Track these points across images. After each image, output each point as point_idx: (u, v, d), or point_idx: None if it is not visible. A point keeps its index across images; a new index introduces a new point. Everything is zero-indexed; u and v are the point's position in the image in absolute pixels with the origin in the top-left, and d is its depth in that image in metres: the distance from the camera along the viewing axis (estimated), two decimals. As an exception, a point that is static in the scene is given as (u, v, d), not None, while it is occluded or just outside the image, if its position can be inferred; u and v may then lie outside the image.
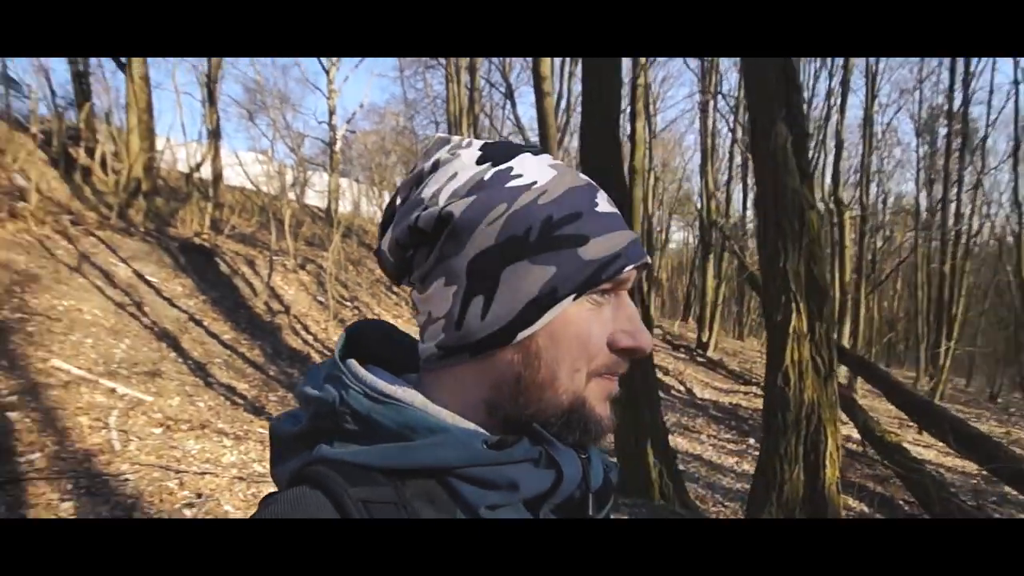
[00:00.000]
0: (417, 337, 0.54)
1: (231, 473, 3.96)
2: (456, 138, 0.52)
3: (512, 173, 0.48)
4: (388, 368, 0.52)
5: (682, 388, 11.22)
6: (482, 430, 0.47)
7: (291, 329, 8.23)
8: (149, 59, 11.07)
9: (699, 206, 18.01)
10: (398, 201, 0.52)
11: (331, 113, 17.43)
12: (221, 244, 9.49)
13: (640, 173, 10.24)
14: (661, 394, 10.22)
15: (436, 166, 0.51)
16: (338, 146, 17.43)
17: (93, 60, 11.75)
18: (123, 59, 10.62)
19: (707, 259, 15.84)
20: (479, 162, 0.49)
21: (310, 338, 8.25)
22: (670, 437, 7.68)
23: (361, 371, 0.48)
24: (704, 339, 15.36)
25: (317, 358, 7.73)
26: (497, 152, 0.50)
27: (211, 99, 12.79)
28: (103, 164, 9.63)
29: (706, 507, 5.68)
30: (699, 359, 14.24)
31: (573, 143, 14.73)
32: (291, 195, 14.00)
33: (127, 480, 3.49)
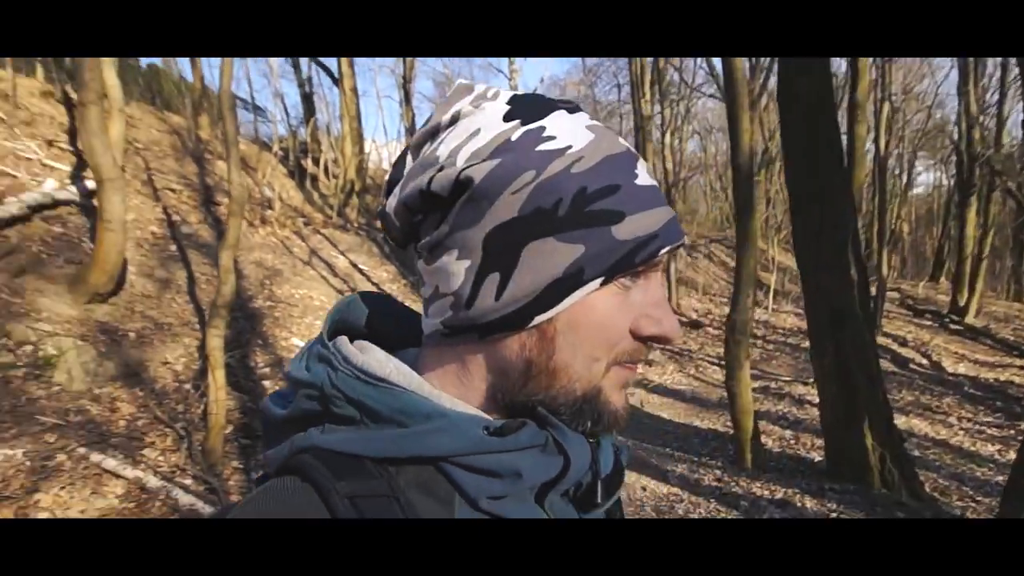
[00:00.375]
0: (420, 310, 0.51)
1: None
2: (481, 86, 0.47)
3: (544, 135, 0.43)
4: (386, 343, 0.49)
5: (924, 362, 9.42)
6: (483, 415, 0.44)
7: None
8: (356, 70, 12.63)
9: (956, 137, 14.62)
10: (409, 157, 0.47)
11: (514, 94, 17.95)
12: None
13: (863, 107, 8.61)
14: (896, 368, 8.75)
15: (455, 119, 0.45)
16: None
17: (315, 79, 13.68)
18: (336, 75, 12.32)
19: (967, 203, 12.96)
20: (506, 118, 0.44)
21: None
22: (906, 418, 6.54)
23: (351, 350, 0.45)
24: (961, 303, 12.62)
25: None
26: (528, 107, 0.45)
27: (407, 99, 14.21)
28: (326, 171, 11.36)
29: (948, 500, 4.73)
30: (953, 327, 11.77)
31: (770, 84, 13.01)
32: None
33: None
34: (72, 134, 6.97)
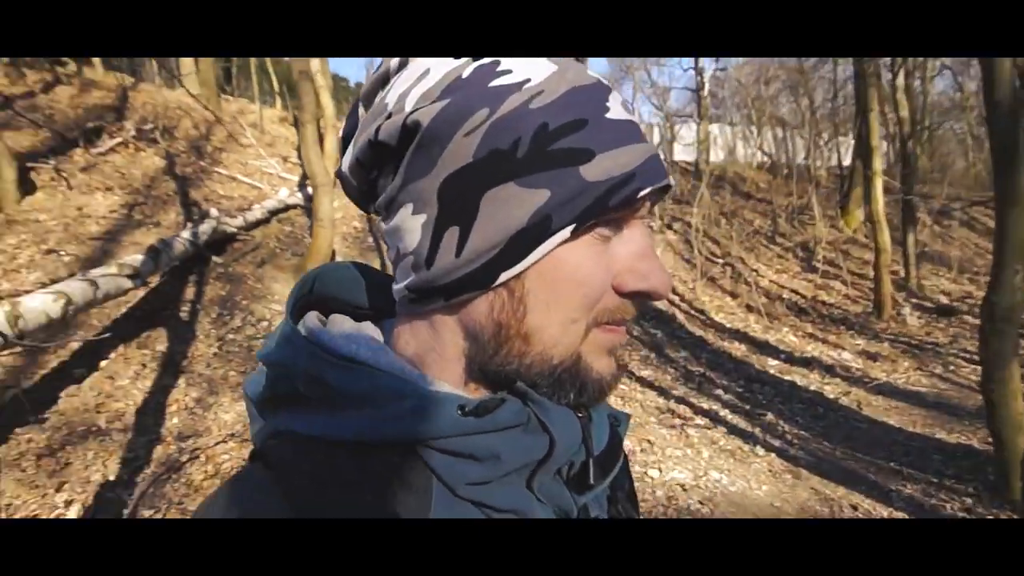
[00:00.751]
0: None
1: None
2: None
3: (499, 69, 0.39)
4: (362, 316, 0.47)
5: None
6: (458, 392, 0.41)
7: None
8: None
9: None
10: (361, 109, 0.44)
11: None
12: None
13: None
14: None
15: (405, 63, 0.42)
16: (706, 90, 16.23)
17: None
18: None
19: None
20: (456, 64, 0.40)
21: (676, 298, 8.32)
22: None
23: (315, 327, 0.43)
24: None
25: (683, 319, 7.79)
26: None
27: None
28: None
29: None
30: None
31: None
32: (660, 154, 14.22)
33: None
34: (300, 149, 8.42)
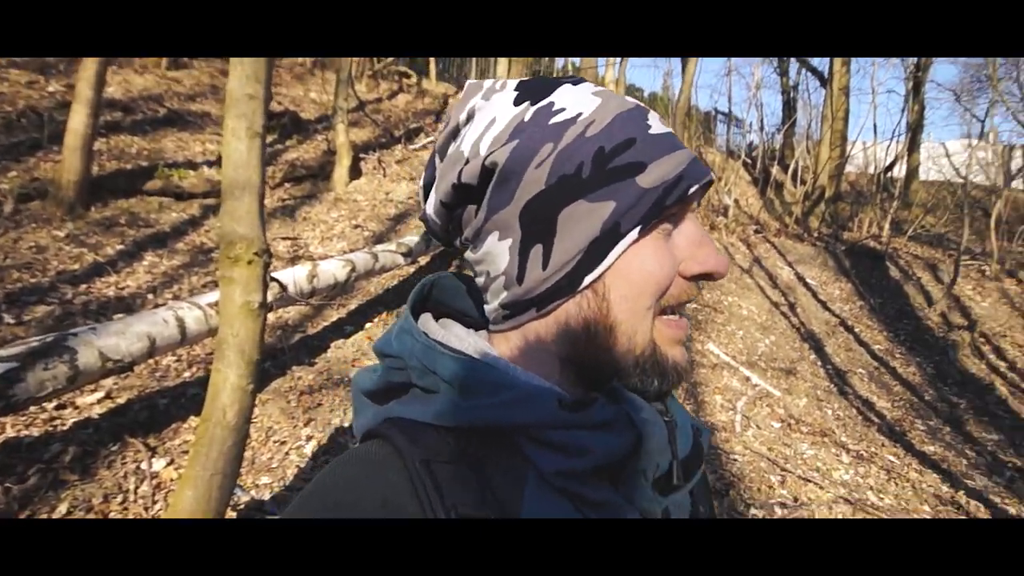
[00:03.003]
0: None
1: (837, 491, 3.53)
2: (488, 82, 0.48)
3: (554, 109, 0.43)
4: (467, 323, 0.51)
5: None
6: (557, 388, 0.43)
7: (972, 348, 6.23)
8: (852, 68, 10.92)
9: None
10: (437, 160, 0.48)
11: None
12: (900, 246, 8.26)
13: None
14: None
15: (471, 115, 0.46)
16: None
17: (802, 84, 12.56)
18: (826, 74, 10.90)
19: None
20: (516, 103, 0.44)
21: (1002, 364, 6.00)
22: None
23: (432, 325, 0.47)
24: None
25: (1003, 389, 5.56)
26: (533, 89, 0.45)
27: (916, 91, 11.28)
28: (794, 177, 10.23)
29: None
30: None
31: None
32: (1017, 183, 10.48)
33: (736, 461, 3.68)
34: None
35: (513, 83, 0.46)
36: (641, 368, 0.43)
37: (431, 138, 7.43)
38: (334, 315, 3.96)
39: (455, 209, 0.46)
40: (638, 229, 0.41)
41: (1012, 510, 3.80)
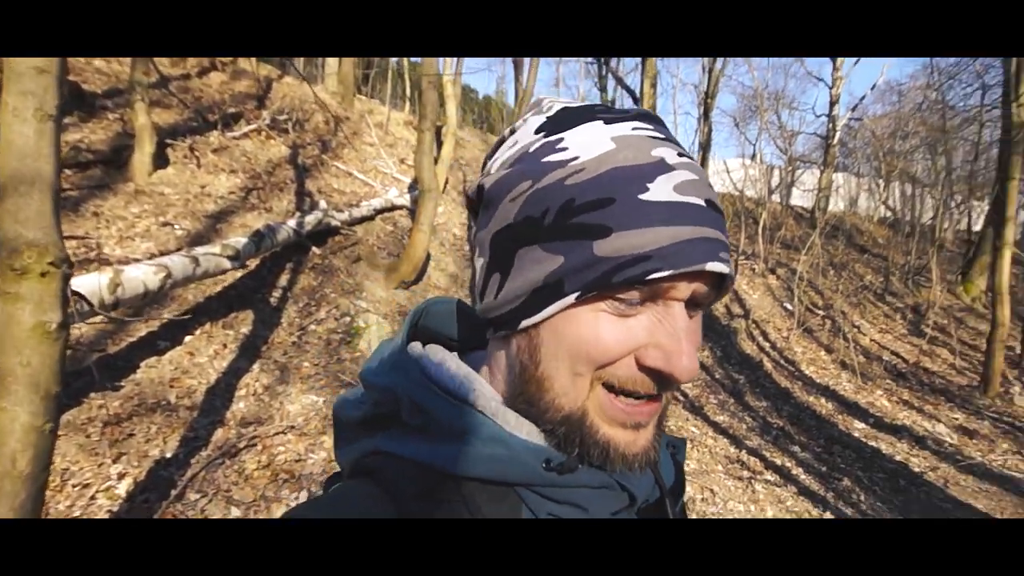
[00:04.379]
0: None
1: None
2: (548, 100, 0.47)
3: (558, 146, 0.42)
4: (457, 347, 0.51)
5: None
6: (545, 446, 0.43)
7: (747, 332, 7.62)
8: (657, 91, 12.41)
9: None
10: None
11: (832, 104, 15.21)
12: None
13: None
14: None
15: (513, 131, 0.47)
16: (836, 138, 14.97)
17: (618, 101, 14.02)
18: (637, 95, 12.28)
19: None
20: (538, 131, 0.44)
21: (767, 345, 7.44)
22: None
23: (427, 361, 0.46)
24: None
25: (770, 367, 6.92)
26: (559, 120, 0.43)
27: (706, 115, 13.32)
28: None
29: None
30: None
31: None
32: (776, 196, 13.04)
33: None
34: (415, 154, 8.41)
35: (558, 107, 0.45)
36: (565, 433, 0.41)
37: (253, 126, 6.74)
38: (142, 329, 3.39)
39: (470, 218, 0.48)
40: (576, 295, 0.39)
41: (778, 461, 4.75)
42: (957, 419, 6.82)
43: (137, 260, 3.55)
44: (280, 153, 6.79)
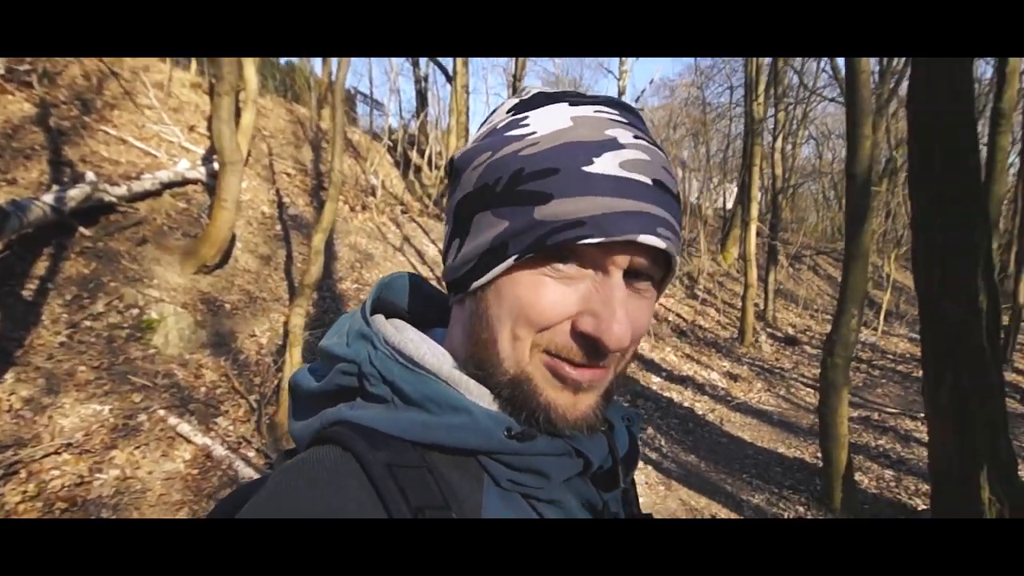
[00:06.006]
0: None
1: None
2: (533, 86, 0.48)
3: (522, 123, 0.44)
4: (418, 323, 0.50)
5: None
6: (505, 416, 0.43)
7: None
8: (470, 69, 12.56)
9: None
10: None
11: (620, 94, 17.11)
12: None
13: (1008, 116, 6.91)
14: (1026, 412, 7.14)
15: (495, 110, 0.49)
16: None
17: (431, 77, 13.80)
18: (450, 73, 12.31)
19: None
20: (510, 110, 0.46)
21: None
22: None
23: (390, 332, 0.46)
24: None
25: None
26: (533, 101, 0.46)
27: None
28: (429, 162, 11.37)
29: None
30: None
31: (901, 89, 11.16)
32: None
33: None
34: (211, 121, 7.35)
35: (534, 92, 0.47)
36: (510, 396, 0.43)
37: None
38: None
39: None
40: (515, 257, 0.41)
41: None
42: (725, 367, 8.36)
43: None
44: (23, 111, 5.43)
